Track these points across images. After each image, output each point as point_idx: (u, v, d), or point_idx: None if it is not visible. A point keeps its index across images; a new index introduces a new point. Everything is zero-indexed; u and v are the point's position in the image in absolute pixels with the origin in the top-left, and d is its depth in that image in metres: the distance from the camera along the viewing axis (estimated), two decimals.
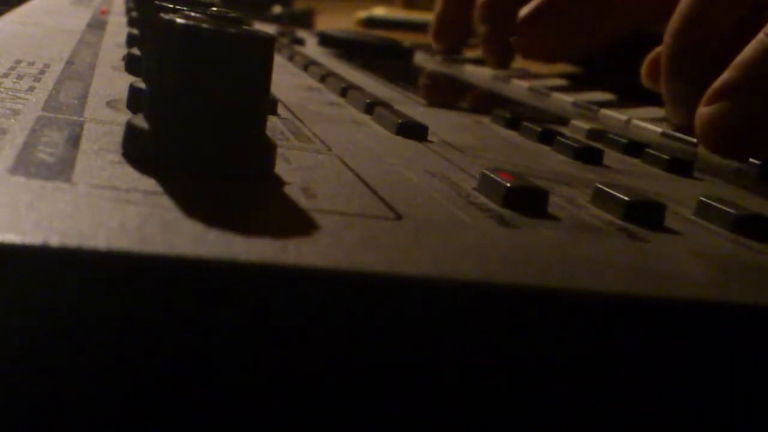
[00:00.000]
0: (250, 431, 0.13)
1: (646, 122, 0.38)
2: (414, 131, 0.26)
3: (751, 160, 0.31)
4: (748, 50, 0.30)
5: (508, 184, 0.18)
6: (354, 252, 0.14)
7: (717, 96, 0.31)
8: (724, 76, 0.31)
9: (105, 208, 0.14)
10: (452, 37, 0.62)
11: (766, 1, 0.33)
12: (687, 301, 0.15)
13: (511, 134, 0.30)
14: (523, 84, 0.50)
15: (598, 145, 0.29)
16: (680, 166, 0.28)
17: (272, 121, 0.24)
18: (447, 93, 0.44)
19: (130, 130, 0.17)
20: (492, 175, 0.19)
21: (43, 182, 0.14)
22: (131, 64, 0.28)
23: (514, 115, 0.32)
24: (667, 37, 0.35)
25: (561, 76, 0.55)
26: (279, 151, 0.18)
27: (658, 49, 0.39)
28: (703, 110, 0.31)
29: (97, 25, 0.42)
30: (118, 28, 0.42)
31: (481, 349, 0.14)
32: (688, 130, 0.35)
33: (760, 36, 0.30)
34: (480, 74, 0.55)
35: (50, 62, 0.27)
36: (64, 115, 0.20)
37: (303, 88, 0.33)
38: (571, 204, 0.20)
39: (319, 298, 0.13)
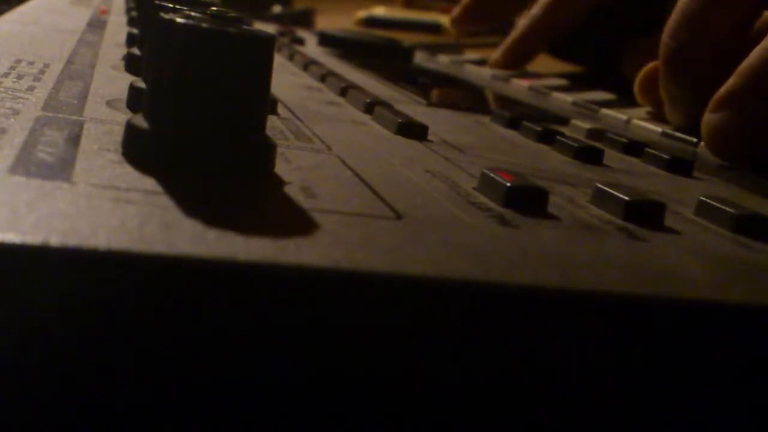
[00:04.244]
0: (250, 431, 0.13)
1: (646, 122, 0.38)
2: (414, 131, 0.26)
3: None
4: (753, 56, 0.30)
5: (508, 184, 0.18)
6: (354, 252, 0.14)
7: (723, 103, 0.31)
8: (730, 82, 0.31)
9: (105, 207, 0.14)
10: (474, 25, 0.62)
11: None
12: (687, 301, 0.15)
13: (511, 134, 0.30)
14: (523, 84, 0.50)
15: (598, 145, 0.28)
16: (680, 165, 0.28)
17: (272, 121, 0.24)
18: (447, 93, 0.44)
19: (130, 130, 0.17)
20: (492, 175, 0.19)
21: (43, 182, 0.14)
22: (131, 64, 0.28)
23: (514, 114, 0.32)
24: (665, 37, 0.35)
25: (561, 76, 0.55)
26: (279, 150, 0.18)
27: (651, 64, 0.39)
28: (709, 117, 0.31)
29: (97, 24, 0.42)
30: (118, 28, 0.42)
31: (481, 349, 0.14)
32: (687, 130, 0.35)
33: (765, 42, 0.30)
34: (480, 74, 0.55)
35: (50, 62, 0.27)
36: (63, 115, 0.20)
37: (303, 88, 0.33)
38: (571, 204, 0.20)
39: (319, 297, 0.13)
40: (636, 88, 0.40)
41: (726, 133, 0.31)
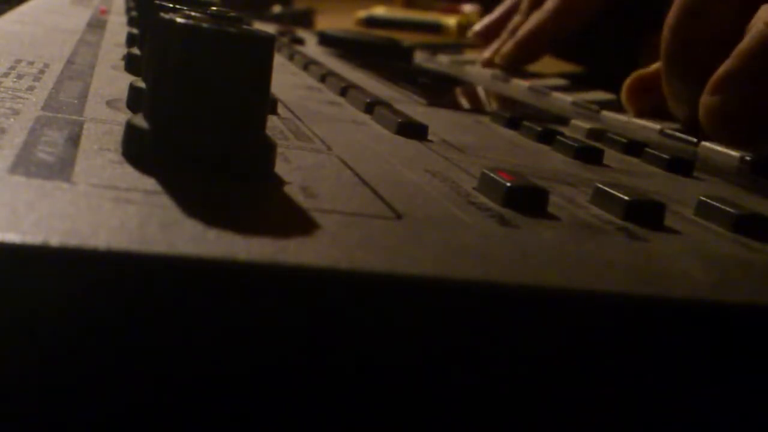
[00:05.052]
0: (250, 430, 0.13)
1: (646, 121, 0.38)
2: (414, 131, 0.26)
3: (748, 156, 0.31)
4: (747, 40, 0.31)
5: (508, 184, 0.18)
6: (354, 251, 0.14)
7: (719, 85, 0.31)
8: (726, 65, 0.31)
9: (105, 207, 0.14)
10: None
11: None
12: (687, 300, 0.15)
13: (511, 134, 0.30)
14: (523, 84, 0.50)
15: (598, 145, 0.29)
16: (680, 165, 0.28)
17: (272, 121, 0.24)
18: (447, 93, 0.44)
19: (130, 130, 0.17)
20: (492, 175, 0.19)
21: (43, 182, 0.14)
22: (131, 64, 0.28)
23: (514, 114, 0.32)
24: (665, 33, 0.35)
25: (561, 76, 0.55)
26: (279, 150, 0.18)
27: (640, 72, 0.40)
28: (706, 99, 0.31)
29: (97, 24, 0.42)
30: (118, 28, 0.42)
31: (480, 349, 0.14)
32: (689, 128, 0.35)
33: (759, 26, 0.30)
34: (480, 74, 0.55)
35: (50, 62, 0.27)
36: (63, 115, 0.20)
37: (303, 88, 0.33)
38: (571, 203, 0.20)
39: (319, 297, 0.13)
40: (623, 95, 0.40)
41: (722, 115, 0.31)
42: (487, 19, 0.64)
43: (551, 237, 0.17)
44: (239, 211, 0.15)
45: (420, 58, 0.60)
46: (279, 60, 0.42)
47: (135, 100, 0.21)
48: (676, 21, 0.35)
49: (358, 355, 0.13)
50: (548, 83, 0.49)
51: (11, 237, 0.12)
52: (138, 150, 0.16)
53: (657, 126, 0.37)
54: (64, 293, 0.12)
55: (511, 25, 0.58)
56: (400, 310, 0.13)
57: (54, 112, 0.20)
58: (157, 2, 0.22)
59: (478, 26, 0.65)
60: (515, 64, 0.55)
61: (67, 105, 0.21)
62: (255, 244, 0.13)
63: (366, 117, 0.28)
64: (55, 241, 0.12)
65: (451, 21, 1.08)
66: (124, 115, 0.21)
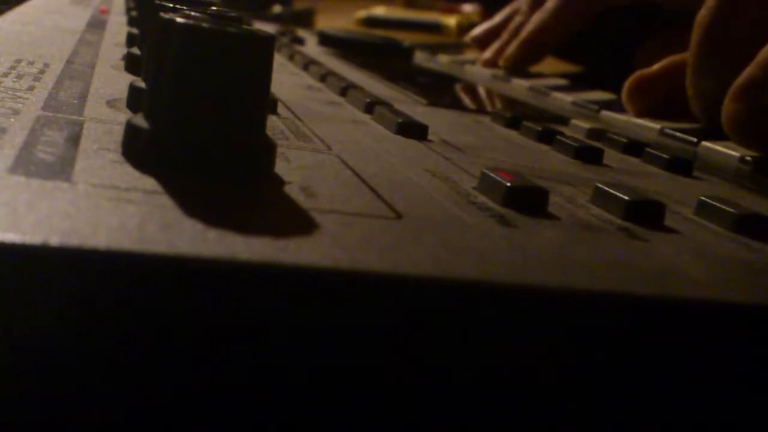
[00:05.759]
0: (250, 430, 0.13)
1: (645, 121, 0.38)
2: (414, 130, 0.26)
3: (748, 156, 0.32)
4: (767, 48, 0.31)
5: (509, 184, 0.18)
6: (354, 251, 0.14)
7: (741, 93, 0.31)
8: (747, 73, 0.31)
9: (105, 207, 0.14)
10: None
11: None
12: (687, 300, 0.15)
13: (511, 133, 0.30)
14: (523, 84, 0.50)
15: (598, 145, 0.29)
16: (680, 165, 0.28)
17: (272, 121, 0.24)
18: (447, 93, 0.44)
19: (130, 130, 0.17)
20: (492, 175, 0.19)
21: (43, 181, 0.14)
22: (131, 64, 0.28)
23: (514, 114, 0.32)
24: (696, 30, 0.35)
25: (561, 76, 0.55)
26: (279, 150, 0.18)
27: (641, 72, 0.40)
28: (728, 107, 0.32)
29: (97, 24, 0.42)
30: (118, 28, 0.42)
31: (480, 349, 0.14)
32: (711, 122, 0.35)
33: None
34: (480, 74, 0.55)
35: (50, 61, 0.27)
36: (63, 115, 0.20)
37: (303, 88, 0.33)
38: (571, 203, 0.20)
39: (319, 297, 0.13)
40: (624, 95, 0.40)
41: (744, 123, 0.31)
42: (486, 25, 0.64)
43: (551, 237, 0.17)
44: (239, 211, 0.15)
45: (420, 58, 0.60)
46: (279, 60, 0.42)
47: (135, 100, 0.22)
48: (706, 22, 0.35)
49: (358, 355, 0.13)
50: (548, 83, 0.49)
51: (11, 237, 0.12)
52: (138, 150, 0.16)
53: (657, 126, 0.37)
54: (64, 293, 0.12)
55: (512, 26, 0.58)
56: (400, 310, 0.13)
57: (54, 112, 0.20)
58: (157, 2, 0.22)
59: (477, 31, 0.65)
60: (519, 66, 0.55)
61: (67, 105, 0.21)
62: (255, 244, 0.13)
63: (366, 117, 0.28)
64: (55, 241, 0.12)
65: (451, 21, 1.08)
66: (124, 115, 0.21)
